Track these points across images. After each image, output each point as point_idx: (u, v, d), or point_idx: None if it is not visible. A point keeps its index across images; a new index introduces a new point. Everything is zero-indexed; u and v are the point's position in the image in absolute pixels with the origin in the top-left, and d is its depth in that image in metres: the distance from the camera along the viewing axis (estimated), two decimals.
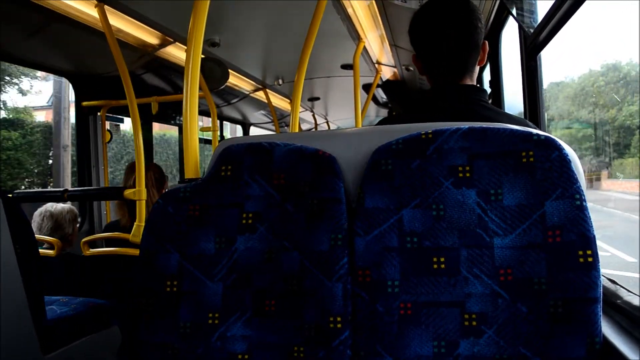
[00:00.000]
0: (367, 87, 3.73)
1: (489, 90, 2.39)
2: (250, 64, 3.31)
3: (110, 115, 3.08)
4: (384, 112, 5.24)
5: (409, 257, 0.80)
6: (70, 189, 2.18)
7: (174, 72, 2.96)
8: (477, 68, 1.15)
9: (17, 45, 2.29)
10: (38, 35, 2.19)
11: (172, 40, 2.55)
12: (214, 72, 2.76)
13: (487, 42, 1.13)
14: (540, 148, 0.79)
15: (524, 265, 0.77)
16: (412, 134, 0.84)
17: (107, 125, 3.05)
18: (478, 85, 1.17)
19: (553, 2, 1.31)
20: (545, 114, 1.73)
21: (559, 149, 0.78)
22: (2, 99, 8.66)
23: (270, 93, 3.99)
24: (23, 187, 8.29)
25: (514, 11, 1.78)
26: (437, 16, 1.11)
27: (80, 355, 1.67)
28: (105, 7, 2.00)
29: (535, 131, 0.81)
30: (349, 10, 2.34)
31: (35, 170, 8.68)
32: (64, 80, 6.15)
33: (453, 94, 1.11)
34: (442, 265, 0.79)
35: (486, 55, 1.14)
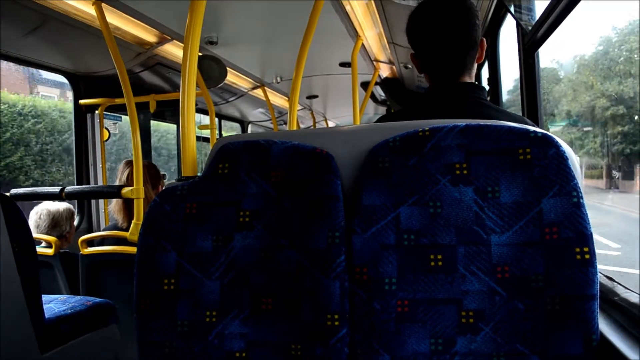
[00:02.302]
0: (365, 85, 3.72)
1: (487, 88, 2.39)
2: (248, 62, 3.30)
3: (108, 113, 3.08)
4: (382, 110, 5.23)
5: (406, 254, 0.80)
6: (67, 187, 2.17)
7: (171, 70, 2.96)
8: (476, 65, 1.15)
9: (14, 43, 2.28)
10: (35, 33, 2.18)
11: (169, 38, 2.55)
12: (212, 70, 2.76)
13: (484, 39, 1.13)
14: (537, 145, 0.79)
15: (521, 262, 0.77)
16: (409, 132, 0.84)
17: (105, 123, 3.05)
18: (477, 82, 1.17)
19: None
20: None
21: (556, 146, 0.78)
22: None
23: (269, 91, 3.98)
24: None
25: (511, 8, 1.77)
26: (434, 14, 1.11)
27: (78, 354, 1.67)
28: (103, 5, 1.99)
29: (532, 128, 0.81)
30: (347, 8, 2.33)
31: None
32: None
33: (452, 91, 1.11)
34: (439, 263, 0.79)
35: (484, 53, 1.14)
